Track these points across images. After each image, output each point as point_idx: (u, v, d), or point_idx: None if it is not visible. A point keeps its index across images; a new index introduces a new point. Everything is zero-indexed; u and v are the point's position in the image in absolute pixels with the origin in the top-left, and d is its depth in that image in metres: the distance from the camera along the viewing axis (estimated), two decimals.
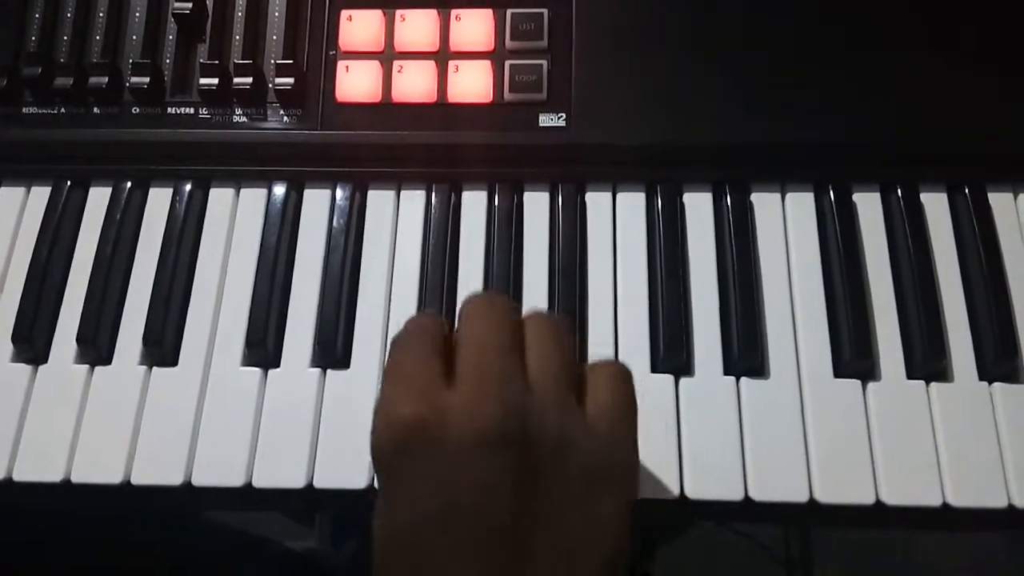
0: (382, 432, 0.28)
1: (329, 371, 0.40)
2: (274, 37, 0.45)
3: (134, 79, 0.44)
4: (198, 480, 0.38)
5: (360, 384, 0.40)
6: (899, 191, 0.42)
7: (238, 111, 0.44)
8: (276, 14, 0.45)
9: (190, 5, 0.44)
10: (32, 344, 0.41)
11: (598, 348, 0.40)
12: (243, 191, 0.45)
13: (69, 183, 0.45)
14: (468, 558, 0.26)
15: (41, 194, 0.45)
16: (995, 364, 0.39)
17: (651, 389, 0.39)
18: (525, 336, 0.30)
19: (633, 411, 0.31)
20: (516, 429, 0.27)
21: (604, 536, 0.28)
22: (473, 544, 0.26)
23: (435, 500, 0.27)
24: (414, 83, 0.44)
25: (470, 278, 0.42)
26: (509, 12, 0.44)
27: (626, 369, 0.32)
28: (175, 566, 0.55)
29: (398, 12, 0.44)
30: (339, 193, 0.44)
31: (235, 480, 0.38)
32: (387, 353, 0.31)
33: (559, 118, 0.43)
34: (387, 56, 0.44)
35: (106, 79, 0.44)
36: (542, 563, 0.27)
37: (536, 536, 0.27)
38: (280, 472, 0.38)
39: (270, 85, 0.44)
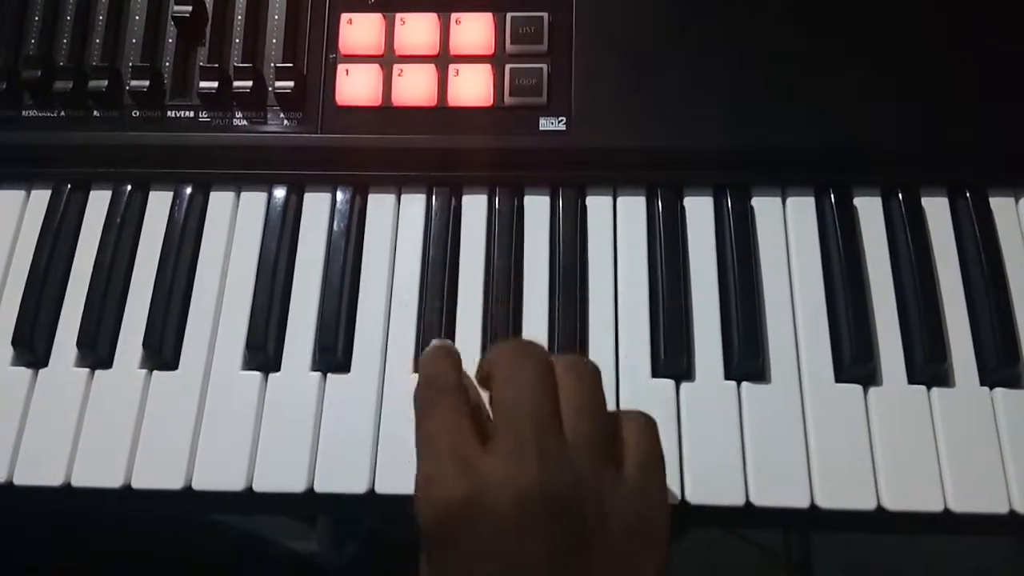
0: (431, 516, 0.28)
1: (329, 375, 0.40)
2: (274, 40, 0.45)
3: (134, 82, 0.44)
4: (198, 484, 0.38)
5: (360, 388, 0.40)
6: (900, 195, 0.42)
7: (238, 114, 0.44)
8: (276, 17, 0.45)
9: (190, 8, 0.44)
10: (32, 348, 0.41)
11: (599, 353, 0.40)
12: (243, 195, 0.45)
13: (69, 186, 0.45)
14: None
15: (41, 197, 0.45)
16: (996, 369, 0.39)
17: (652, 394, 0.39)
18: (558, 384, 0.30)
19: (662, 465, 0.31)
20: (557, 495, 0.27)
21: None
22: None
23: (486, 573, 0.27)
24: (414, 86, 0.43)
25: (471, 282, 0.42)
26: (509, 15, 0.44)
27: (653, 421, 0.32)
28: (176, 567, 0.55)
29: (398, 15, 0.44)
30: (339, 196, 0.44)
31: (235, 484, 0.38)
32: (415, 413, 0.31)
33: (559, 122, 0.43)
34: (387, 59, 0.44)
35: (106, 82, 0.44)
36: None
37: None
38: (280, 476, 0.38)
39: (270, 88, 0.44)
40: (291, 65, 0.44)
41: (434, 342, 0.35)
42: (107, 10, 0.45)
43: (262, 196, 0.44)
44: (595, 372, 0.31)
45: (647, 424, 0.32)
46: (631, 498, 0.29)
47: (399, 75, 0.44)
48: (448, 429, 0.30)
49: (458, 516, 0.27)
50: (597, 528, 0.28)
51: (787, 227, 0.43)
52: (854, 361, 0.39)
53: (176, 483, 0.38)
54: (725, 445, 0.38)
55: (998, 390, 0.38)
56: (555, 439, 0.29)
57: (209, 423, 0.39)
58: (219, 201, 0.44)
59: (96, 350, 0.41)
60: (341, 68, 0.44)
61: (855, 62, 0.43)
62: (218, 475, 0.38)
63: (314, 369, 0.40)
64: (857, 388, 0.39)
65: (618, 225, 0.43)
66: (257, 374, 0.40)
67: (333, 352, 0.40)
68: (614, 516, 0.28)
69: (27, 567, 0.50)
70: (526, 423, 0.29)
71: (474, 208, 0.44)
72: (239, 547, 0.59)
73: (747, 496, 0.37)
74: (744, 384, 0.39)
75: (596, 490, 0.28)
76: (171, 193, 0.44)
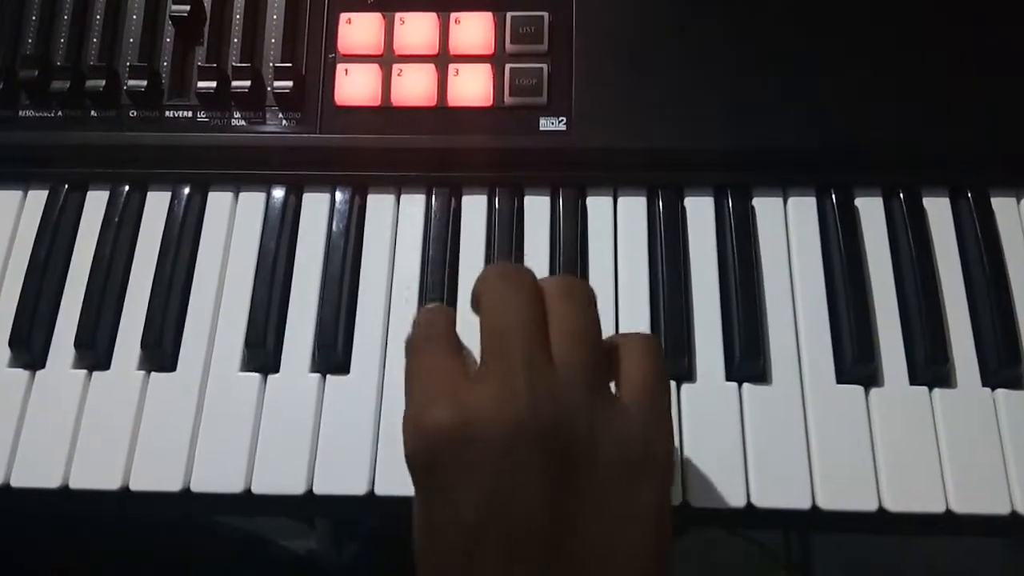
0: (415, 443, 0.27)
1: (329, 376, 0.40)
2: (272, 40, 0.45)
3: (131, 82, 0.44)
4: (197, 486, 0.38)
5: (360, 389, 0.40)
6: (902, 195, 0.42)
7: (236, 114, 0.44)
8: (274, 17, 0.45)
9: (188, 7, 0.44)
10: (29, 349, 0.41)
11: None
12: (242, 195, 0.44)
13: (66, 187, 0.44)
14: (514, 562, 0.26)
15: (38, 198, 0.45)
16: (998, 370, 0.39)
17: None
18: (547, 308, 0.29)
19: (665, 388, 0.30)
20: (547, 424, 0.26)
21: (647, 526, 0.27)
22: (517, 548, 0.26)
23: (475, 507, 0.26)
24: (414, 86, 0.43)
25: (470, 283, 0.41)
26: (509, 15, 0.44)
27: (655, 342, 0.31)
28: (176, 566, 0.54)
29: (397, 15, 0.44)
30: (338, 197, 0.44)
31: (234, 486, 0.38)
32: (405, 358, 0.31)
33: (560, 122, 0.43)
34: (386, 59, 0.44)
35: (103, 82, 0.44)
36: (588, 561, 0.26)
37: (579, 532, 0.26)
38: (280, 478, 0.38)
39: (269, 88, 0.44)
40: (290, 65, 0.44)
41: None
42: (104, 9, 0.45)
43: (261, 196, 0.44)
44: (588, 295, 0.30)
45: (647, 345, 0.30)
46: (628, 425, 0.28)
47: (398, 75, 0.43)
48: (437, 367, 0.29)
49: (445, 443, 0.26)
50: (590, 457, 0.27)
51: (788, 227, 0.42)
52: (855, 362, 0.39)
53: (174, 485, 0.38)
54: (726, 446, 0.38)
55: (1000, 391, 0.38)
56: (545, 367, 0.27)
57: (208, 425, 0.39)
58: (217, 201, 0.44)
59: (94, 351, 0.41)
60: (340, 68, 0.44)
61: (856, 62, 0.43)
62: (217, 477, 0.38)
63: (313, 370, 0.40)
64: (858, 389, 0.39)
65: (618, 225, 0.43)
66: (256, 375, 0.40)
67: (333, 353, 0.40)
68: (609, 444, 0.27)
69: (27, 568, 0.50)
70: (514, 352, 0.27)
71: (474, 208, 0.43)
72: (238, 547, 0.59)
73: (748, 497, 0.37)
74: (745, 385, 0.39)
75: (589, 418, 0.27)
76: (169, 193, 0.44)
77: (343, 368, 0.40)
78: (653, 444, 0.28)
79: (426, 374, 0.29)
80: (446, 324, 0.31)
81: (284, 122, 0.44)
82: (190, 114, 0.44)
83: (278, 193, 0.44)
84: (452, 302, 0.42)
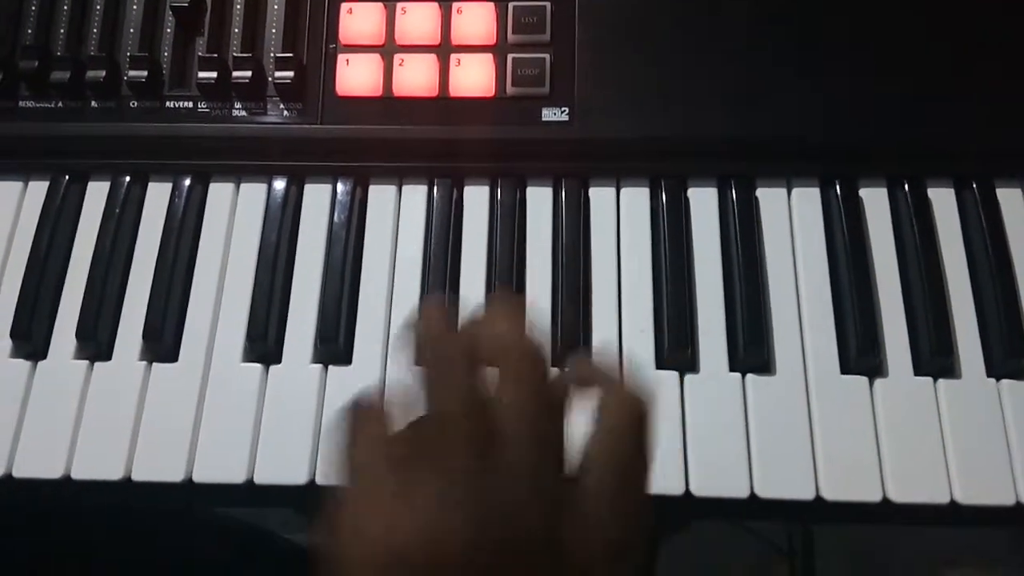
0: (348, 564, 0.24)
1: (331, 367, 0.40)
2: (273, 30, 0.44)
3: (132, 72, 0.43)
4: (199, 476, 0.38)
5: (362, 380, 0.39)
6: (906, 186, 0.42)
7: (237, 105, 0.44)
8: (275, 7, 0.45)
9: None
10: (31, 340, 0.41)
11: (602, 345, 0.39)
12: (243, 186, 0.44)
13: (67, 178, 0.44)
14: None
15: (39, 189, 0.44)
16: (1003, 361, 0.38)
17: (656, 386, 0.38)
18: (497, 366, 0.25)
19: (641, 464, 0.26)
20: (496, 543, 0.24)
21: None
22: None
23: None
24: (415, 77, 0.43)
25: (472, 273, 0.42)
26: (511, 5, 0.43)
27: (640, 406, 0.26)
28: (180, 560, 0.54)
29: (399, 5, 0.44)
30: (340, 188, 0.43)
31: (236, 476, 0.38)
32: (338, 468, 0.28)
33: (562, 112, 0.43)
34: (388, 49, 0.44)
35: (104, 73, 0.43)
36: None
37: None
38: (281, 468, 0.38)
39: (270, 79, 0.44)
40: (291, 55, 0.43)
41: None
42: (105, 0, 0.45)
43: (262, 187, 0.44)
44: (526, 349, 0.25)
45: (627, 411, 0.26)
46: (587, 515, 0.25)
47: (400, 65, 0.43)
48: (369, 488, 0.26)
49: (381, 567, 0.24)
50: (549, 553, 0.24)
51: (792, 218, 0.42)
52: (860, 353, 0.38)
53: (177, 475, 0.38)
54: (730, 437, 0.37)
55: (1005, 382, 0.38)
56: (485, 473, 0.24)
57: (209, 415, 0.39)
58: (219, 192, 0.44)
59: (95, 342, 0.41)
60: (341, 58, 0.44)
61: (860, 52, 0.42)
62: (219, 467, 0.38)
63: (315, 361, 0.40)
64: (863, 380, 0.38)
65: (621, 216, 0.43)
66: (258, 366, 0.40)
67: (334, 344, 0.40)
68: (569, 538, 0.24)
69: (28, 563, 0.50)
70: (454, 459, 0.24)
71: (476, 199, 0.43)
72: (242, 541, 0.59)
73: (752, 488, 0.37)
74: (749, 376, 0.39)
75: (543, 516, 0.24)
76: (170, 184, 0.44)
77: (345, 359, 0.40)
78: (617, 531, 0.26)
79: (360, 495, 0.26)
80: (377, 429, 0.27)
81: (285, 113, 0.44)
82: (191, 105, 0.44)
83: (279, 184, 0.44)
84: (454, 292, 0.41)
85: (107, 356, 0.41)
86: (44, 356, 0.41)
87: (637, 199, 0.43)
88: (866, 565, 0.86)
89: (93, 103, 0.44)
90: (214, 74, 0.43)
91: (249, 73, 0.43)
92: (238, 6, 0.45)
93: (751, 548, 0.86)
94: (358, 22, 0.44)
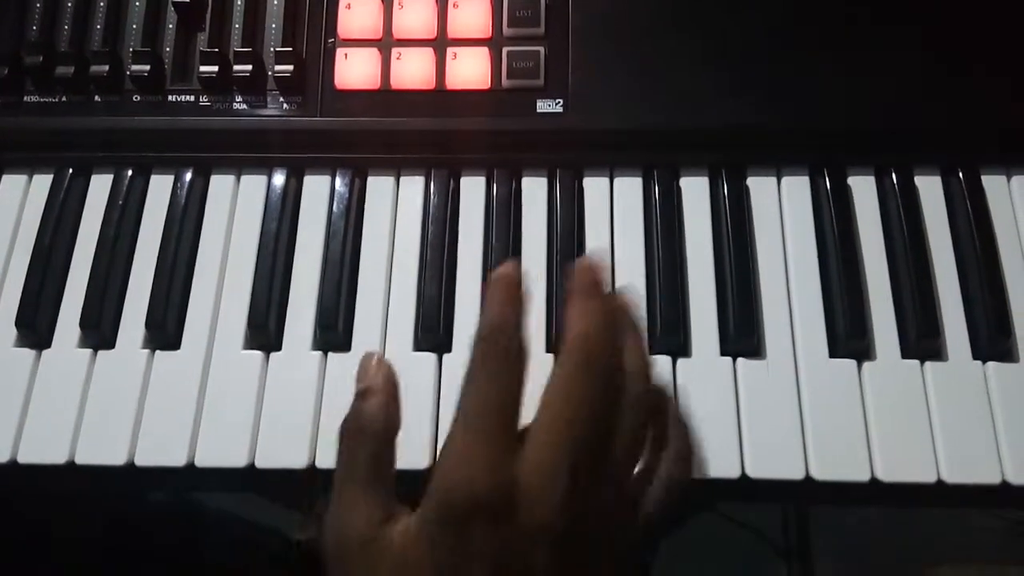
0: (460, 481, 0.27)
1: (330, 354, 0.41)
2: (273, 25, 0.45)
3: (135, 67, 0.44)
4: (201, 461, 0.39)
5: None
6: (894, 174, 0.43)
7: (238, 99, 0.45)
8: (275, 2, 0.46)
9: None
10: (36, 329, 0.42)
11: None
12: (243, 178, 0.45)
13: (71, 171, 0.45)
14: None
15: (43, 182, 0.45)
16: (989, 343, 0.39)
17: None
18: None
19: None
20: (571, 531, 0.26)
21: None
22: None
23: (488, 567, 0.26)
24: (413, 70, 0.44)
25: (469, 263, 0.43)
26: None
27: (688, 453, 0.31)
28: (183, 557, 0.55)
29: None
30: (339, 179, 0.44)
31: (237, 461, 0.38)
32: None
33: (556, 104, 0.43)
34: (386, 43, 0.45)
35: (107, 67, 0.44)
36: None
37: None
38: (282, 452, 0.38)
39: (269, 73, 0.44)
40: (290, 49, 0.44)
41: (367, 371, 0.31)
42: None
43: (262, 179, 0.45)
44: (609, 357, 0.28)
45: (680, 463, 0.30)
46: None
47: (397, 59, 0.44)
48: (353, 509, 0.28)
49: (476, 513, 0.26)
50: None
51: (782, 206, 0.43)
52: (848, 336, 0.39)
53: (179, 460, 0.39)
54: (721, 420, 0.38)
55: (990, 364, 0.39)
56: (586, 466, 0.27)
57: (211, 401, 0.40)
58: (220, 184, 0.45)
59: (99, 330, 0.41)
60: (340, 52, 0.44)
61: (850, 42, 0.43)
62: (220, 452, 0.39)
63: (315, 348, 0.41)
64: (851, 363, 0.39)
65: (615, 206, 0.43)
66: (258, 353, 0.41)
67: (334, 331, 0.41)
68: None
69: (33, 552, 0.51)
70: (565, 445, 0.27)
71: (472, 190, 0.44)
72: (245, 537, 0.59)
73: (743, 469, 0.37)
74: (740, 360, 0.39)
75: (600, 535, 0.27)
76: (172, 177, 0.45)
77: (344, 346, 0.41)
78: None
79: (345, 512, 0.28)
80: (367, 456, 0.30)
81: (285, 106, 0.44)
82: (192, 98, 0.45)
83: (279, 176, 0.44)
84: (451, 282, 0.42)
85: (110, 345, 0.41)
86: (48, 345, 0.42)
87: (630, 189, 0.44)
88: (862, 560, 0.87)
89: (97, 97, 0.45)
90: (215, 68, 0.44)
91: (249, 67, 0.44)
92: (238, 2, 0.46)
93: (747, 542, 0.86)
94: (356, 17, 0.45)
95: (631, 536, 0.28)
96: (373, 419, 0.30)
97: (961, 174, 0.43)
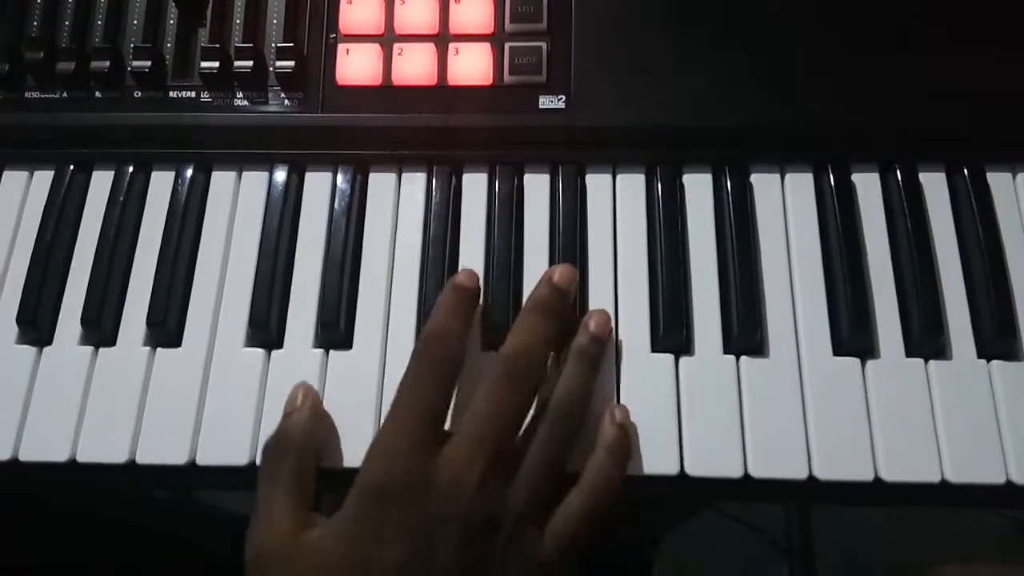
0: (377, 470, 0.30)
1: (332, 352, 0.40)
2: (274, 20, 0.45)
3: (135, 63, 0.44)
4: (202, 459, 0.38)
5: (362, 364, 0.40)
6: (898, 171, 0.43)
7: (239, 95, 0.44)
8: None
9: None
10: (36, 326, 0.41)
11: None
12: (245, 174, 0.45)
13: (72, 167, 0.45)
14: None
15: (44, 178, 0.45)
16: (994, 342, 0.39)
17: (651, 368, 0.39)
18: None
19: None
20: (478, 523, 0.29)
21: None
22: None
23: (399, 552, 0.28)
24: (414, 66, 0.44)
25: (471, 260, 0.42)
26: None
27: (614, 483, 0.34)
28: (184, 556, 0.55)
29: None
30: (340, 176, 0.44)
31: (239, 459, 0.38)
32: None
33: (559, 100, 0.43)
34: (387, 39, 0.44)
35: (108, 63, 0.44)
36: None
37: None
38: None
39: (271, 68, 0.44)
40: (292, 45, 0.44)
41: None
42: None
43: (263, 176, 0.45)
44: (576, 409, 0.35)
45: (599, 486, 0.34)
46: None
47: (399, 54, 0.44)
48: (273, 503, 0.31)
49: (396, 490, 0.29)
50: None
51: (786, 203, 0.43)
52: (852, 335, 0.39)
53: (180, 458, 0.38)
54: (724, 418, 0.38)
55: (995, 363, 0.39)
56: (502, 469, 0.31)
57: (213, 399, 0.40)
58: (221, 181, 0.45)
59: (100, 328, 0.41)
60: (341, 48, 0.44)
61: (853, 38, 0.43)
62: (222, 450, 0.39)
63: (316, 346, 0.41)
64: (855, 361, 0.39)
65: (617, 202, 0.43)
66: (260, 351, 0.41)
67: (335, 329, 0.41)
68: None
69: (28, 566, 0.50)
70: (486, 436, 0.32)
71: (474, 186, 0.44)
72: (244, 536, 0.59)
73: (745, 468, 0.37)
74: (743, 358, 0.39)
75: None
76: (173, 173, 0.45)
77: (346, 344, 0.41)
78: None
79: (264, 521, 0.31)
80: (287, 467, 0.33)
81: (286, 102, 0.44)
82: (193, 94, 0.45)
83: (280, 172, 0.44)
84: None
85: (111, 342, 0.41)
86: (49, 342, 0.42)
87: (633, 185, 0.44)
88: (862, 558, 0.87)
89: (97, 93, 0.45)
90: (216, 64, 0.44)
91: (251, 63, 0.44)
92: None
93: (749, 540, 0.86)
94: (358, 12, 0.45)
95: (541, 550, 0.30)
96: (294, 432, 0.33)
97: (966, 171, 0.42)
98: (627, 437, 0.35)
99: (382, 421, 0.38)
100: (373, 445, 0.31)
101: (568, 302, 0.37)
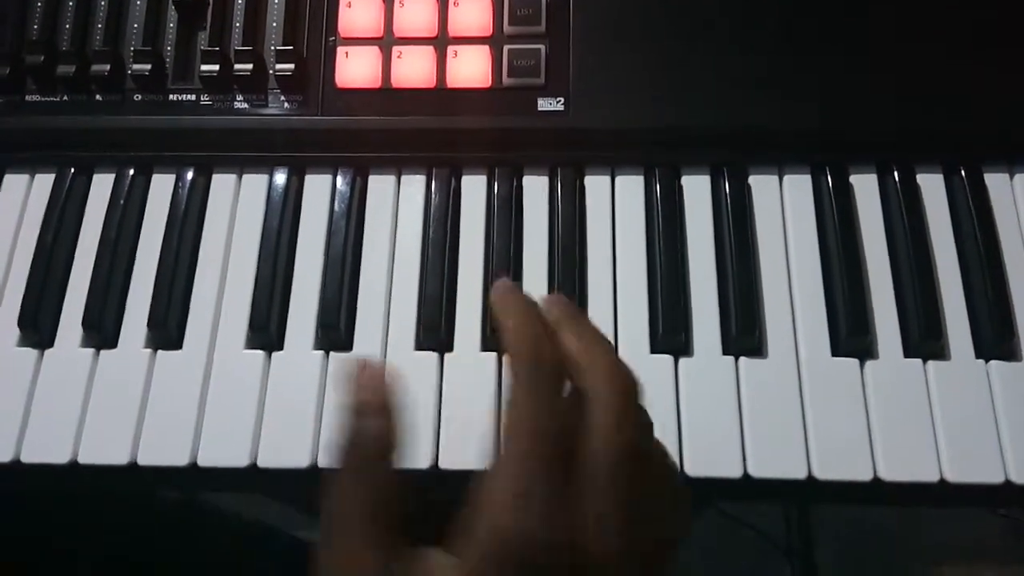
0: (514, 547, 0.24)
1: (332, 353, 0.41)
2: (274, 23, 0.45)
3: (136, 66, 0.44)
4: (203, 460, 0.39)
5: None
6: (896, 173, 0.43)
7: (239, 97, 0.45)
8: (276, 1, 0.45)
9: None
10: (38, 329, 0.42)
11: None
12: (245, 177, 0.45)
13: (72, 170, 0.45)
14: None
15: (45, 181, 0.45)
16: (992, 342, 0.39)
17: (651, 369, 0.39)
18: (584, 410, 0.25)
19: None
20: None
21: None
22: None
23: None
24: (413, 68, 0.44)
25: (470, 262, 0.42)
26: None
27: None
28: (184, 556, 0.55)
29: None
30: (340, 178, 0.44)
31: (239, 460, 0.38)
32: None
33: (557, 102, 0.43)
34: (386, 42, 0.45)
35: (108, 67, 0.44)
36: None
37: None
38: (284, 452, 0.38)
39: (270, 71, 0.44)
40: (291, 48, 0.44)
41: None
42: None
43: (263, 178, 0.45)
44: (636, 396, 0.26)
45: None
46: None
47: (398, 57, 0.44)
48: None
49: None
50: None
51: (784, 205, 0.43)
52: (850, 335, 0.39)
53: (181, 460, 0.39)
54: (723, 419, 0.38)
55: (993, 363, 0.39)
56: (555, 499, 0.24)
57: (213, 401, 0.40)
58: (221, 184, 0.45)
59: (101, 330, 0.41)
60: (341, 51, 0.44)
61: (852, 41, 0.43)
62: (222, 451, 0.39)
63: (317, 347, 0.41)
64: (854, 362, 0.39)
65: (616, 204, 0.43)
66: (260, 352, 0.41)
67: (335, 330, 0.41)
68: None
69: (35, 551, 0.51)
70: (524, 473, 0.24)
71: (474, 188, 0.44)
72: (246, 536, 0.59)
73: (745, 468, 0.37)
74: (742, 359, 0.39)
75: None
76: (173, 176, 0.45)
77: (346, 345, 0.41)
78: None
79: (344, 558, 0.25)
80: (362, 507, 0.25)
81: (286, 105, 0.44)
82: (193, 98, 0.45)
83: (280, 175, 0.44)
84: (452, 281, 0.42)
85: (113, 344, 0.42)
86: (51, 344, 0.42)
87: (632, 187, 0.44)
88: (862, 558, 0.87)
89: (98, 97, 0.45)
90: (216, 67, 0.44)
91: (250, 66, 0.44)
92: (239, 0, 0.46)
93: (749, 541, 0.86)
94: (357, 15, 0.45)
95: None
96: (374, 445, 0.26)
97: (964, 172, 0.42)
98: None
99: None
100: (494, 484, 0.25)
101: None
